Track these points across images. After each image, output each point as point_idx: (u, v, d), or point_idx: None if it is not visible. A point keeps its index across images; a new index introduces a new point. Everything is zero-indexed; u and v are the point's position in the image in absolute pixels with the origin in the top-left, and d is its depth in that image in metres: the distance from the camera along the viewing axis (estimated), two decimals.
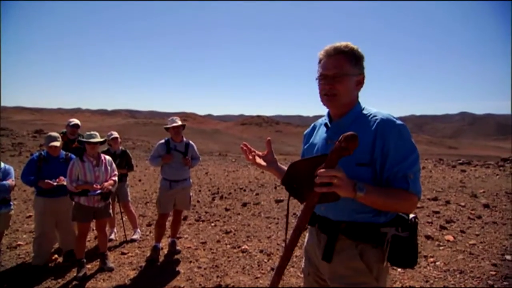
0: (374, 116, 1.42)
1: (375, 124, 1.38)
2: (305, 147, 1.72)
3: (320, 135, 1.62)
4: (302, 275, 3.62)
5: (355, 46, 1.44)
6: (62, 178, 3.81)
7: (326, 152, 1.29)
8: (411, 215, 1.45)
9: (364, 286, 1.41)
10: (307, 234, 1.74)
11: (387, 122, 1.37)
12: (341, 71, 1.42)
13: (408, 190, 1.32)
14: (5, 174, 3.69)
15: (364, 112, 1.47)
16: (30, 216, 5.96)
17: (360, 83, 1.48)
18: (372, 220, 1.40)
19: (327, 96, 1.47)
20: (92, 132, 3.82)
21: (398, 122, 1.37)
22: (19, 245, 4.67)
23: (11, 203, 3.77)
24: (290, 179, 1.40)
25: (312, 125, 1.77)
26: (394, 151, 1.34)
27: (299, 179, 1.35)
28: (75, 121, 4.76)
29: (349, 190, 1.22)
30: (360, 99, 1.54)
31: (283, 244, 4.54)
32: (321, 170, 1.21)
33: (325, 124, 1.58)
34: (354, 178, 1.26)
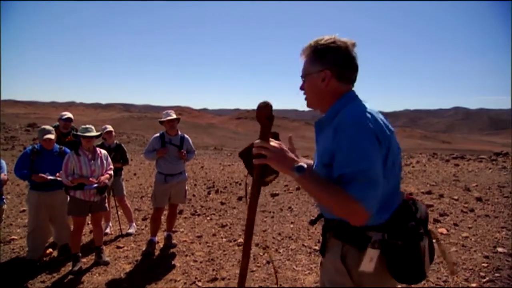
0: (338, 112, 1.32)
1: (336, 123, 1.28)
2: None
3: None
4: (297, 269, 3.65)
5: (322, 39, 1.35)
6: (61, 173, 3.78)
7: (316, 151, 1.36)
8: (412, 222, 1.30)
9: (341, 286, 1.34)
10: None
11: (342, 121, 1.25)
12: (303, 73, 1.44)
13: (346, 191, 1.15)
14: None
15: (344, 108, 1.33)
16: (24, 211, 5.91)
17: (325, 79, 1.36)
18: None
19: None
20: (87, 126, 3.77)
21: (354, 119, 1.23)
22: (13, 239, 4.63)
23: (4, 197, 3.73)
24: (244, 153, 1.51)
25: None
26: (340, 152, 1.21)
27: (249, 155, 1.42)
28: (68, 114, 4.70)
29: (283, 165, 1.23)
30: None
31: (279, 238, 4.58)
32: (255, 141, 1.27)
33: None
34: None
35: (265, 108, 1.27)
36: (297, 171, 1.19)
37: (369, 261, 1.26)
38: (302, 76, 1.46)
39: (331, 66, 1.34)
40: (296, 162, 1.23)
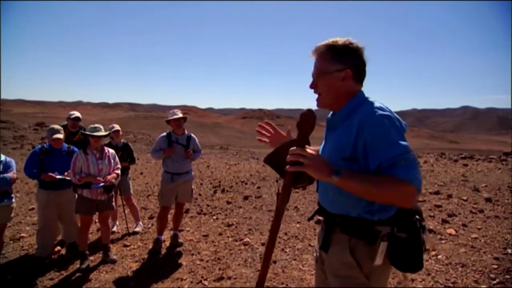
0: (361, 110, 1.37)
1: (358, 117, 1.34)
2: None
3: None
4: (304, 268, 3.64)
5: (339, 40, 1.40)
6: (69, 172, 3.81)
7: (323, 149, 1.40)
8: (416, 216, 1.39)
9: (352, 279, 1.39)
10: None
11: (367, 114, 1.32)
12: (319, 70, 1.43)
13: (397, 176, 1.20)
14: (6, 167, 3.68)
15: (361, 106, 1.40)
16: (33, 209, 5.98)
17: (345, 78, 1.41)
18: (365, 216, 1.36)
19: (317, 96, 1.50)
20: (96, 125, 3.80)
21: (380, 112, 1.30)
22: (22, 237, 4.69)
23: (13, 195, 3.77)
24: (273, 160, 1.49)
25: None
26: (374, 142, 1.27)
27: (278, 159, 1.42)
28: (76, 114, 4.74)
29: (323, 172, 1.22)
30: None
31: (285, 237, 4.57)
32: (291, 148, 1.27)
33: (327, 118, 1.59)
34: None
35: (311, 116, 1.28)
36: (336, 174, 1.21)
37: (380, 254, 1.34)
38: (316, 74, 1.45)
39: (351, 66, 1.40)
40: (330, 166, 1.24)
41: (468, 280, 3.27)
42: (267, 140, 1.77)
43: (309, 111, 1.28)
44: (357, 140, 1.31)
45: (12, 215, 3.86)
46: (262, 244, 4.36)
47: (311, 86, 1.48)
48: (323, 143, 1.59)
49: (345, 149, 1.35)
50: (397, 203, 1.28)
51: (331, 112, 1.60)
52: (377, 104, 1.36)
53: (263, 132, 1.79)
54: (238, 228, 5.10)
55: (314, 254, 1.74)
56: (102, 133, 3.79)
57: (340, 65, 1.40)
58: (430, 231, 4.53)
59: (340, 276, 1.42)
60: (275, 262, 3.83)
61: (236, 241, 4.56)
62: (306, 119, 1.29)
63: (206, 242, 4.53)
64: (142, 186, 8.42)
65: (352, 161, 1.33)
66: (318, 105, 1.51)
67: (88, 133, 3.74)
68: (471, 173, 8.63)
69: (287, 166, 1.28)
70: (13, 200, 3.77)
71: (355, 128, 1.32)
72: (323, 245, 1.50)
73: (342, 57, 1.40)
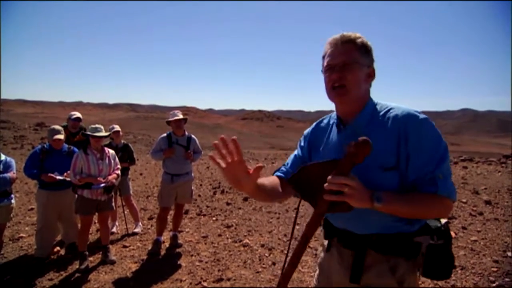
0: (393, 113, 1.24)
1: (396, 122, 1.21)
2: (321, 149, 1.45)
3: (333, 136, 1.41)
4: (303, 270, 3.63)
5: (361, 37, 1.29)
6: (69, 173, 3.81)
7: (339, 156, 1.20)
8: (443, 220, 1.31)
9: None
10: (319, 248, 1.60)
11: (409, 118, 1.20)
12: (350, 59, 1.24)
13: (438, 193, 1.15)
14: (6, 167, 3.68)
15: (379, 109, 1.29)
16: (32, 209, 5.98)
17: (370, 76, 1.31)
18: (405, 229, 1.25)
19: (335, 90, 1.27)
20: (97, 126, 3.81)
21: (422, 116, 1.20)
22: (21, 237, 4.69)
23: (12, 195, 3.77)
24: (299, 181, 1.31)
25: (315, 124, 1.54)
26: (419, 151, 1.17)
27: (310, 183, 1.26)
28: (77, 114, 4.75)
29: (364, 200, 1.11)
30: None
31: (285, 239, 4.56)
32: (331, 177, 1.13)
33: (337, 125, 1.38)
34: (380, 184, 1.18)
35: (368, 148, 1.11)
36: (377, 201, 1.12)
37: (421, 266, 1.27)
38: (344, 63, 1.25)
39: (373, 65, 1.32)
40: (370, 192, 1.13)
41: (468, 282, 3.27)
42: (224, 166, 1.18)
43: (367, 140, 1.11)
44: (400, 149, 1.20)
45: (12, 215, 3.86)
46: (262, 246, 4.36)
47: (338, 76, 1.26)
48: (332, 150, 1.38)
49: (385, 158, 1.21)
50: (436, 217, 1.26)
51: (331, 117, 1.46)
52: (403, 107, 1.25)
53: (223, 151, 1.17)
54: (237, 229, 5.10)
55: (316, 281, 1.55)
56: (103, 133, 3.79)
57: (368, 61, 1.28)
58: None
59: None
60: (274, 264, 3.83)
61: (236, 242, 4.56)
62: (364, 149, 1.11)
63: (205, 243, 4.53)
64: (141, 187, 8.41)
65: (394, 170, 1.21)
66: (339, 100, 1.31)
67: (89, 133, 3.74)
68: (471, 175, 8.63)
69: (325, 195, 1.15)
70: (13, 200, 3.77)
71: (393, 134, 1.20)
72: (353, 277, 1.29)
73: (369, 53, 1.29)
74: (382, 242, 1.26)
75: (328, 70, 1.29)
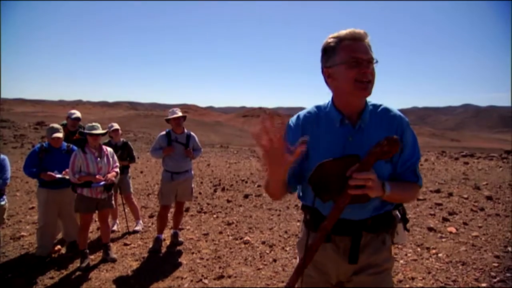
0: (390, 112, 1.41)
1: (394, 120, 1.39)
2: (319, 144, 1.40)
3: (331, 130, 1.40)
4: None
5: None
6: (67, 171, 3.81)
7: (348, 151, 1.32)
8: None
9: (389, 270, 1.49)
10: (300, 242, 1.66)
11: (402, 119, 1.41)
12: (372, 56, 1.31)
13: (417, 183, 1.42)
14: (1, 166, 3.68)
15: (373, 107, 1.42)
16: (33, 208, 5.98)
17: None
18: (388, 208, 1.45)
19: (363, 84, 1.28)
20: (94, 124, 3.79)
21: (405, 117, 1.43)
22: (22, 236, 4.69)
23: (5, 196, 3.78)
24: (318, 178, 1.30)
25: (303, 119, 1.47)
26: (407, 147, 1.39)
27: (327, 179, 1.29)
28: (77, 113, 4.73)
29: (379, 190, 1.26)
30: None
31: (285, 235, 4.56)
32: (357, 173, 1.22)
33: (341, 120, 1.38)
34: (382, 175, 1.31)
35: (398, 144, 1.21)
36: (387, 189, 1.28)
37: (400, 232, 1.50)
38: (369, 60, 1.30)
39: None
40: (381, 182, 1.28)
41: (469, 278, 3.26)
42: (267, 146, 1.16)
43: (398, 140, 1.20)
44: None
45: (9, 215, 3.85)
46: (263, 243, 4.35)
47: (369, 72, 1.29)
48: (333, 143, 1.38)
49: None
50: (411, 200, 1.55)
51: (327, 108, 1.43)
52: (385, 105, 1.44)
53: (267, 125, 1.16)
54: (238, 226, 5.09)
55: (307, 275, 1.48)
56: (100, 131, 3.77)
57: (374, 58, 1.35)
58: (431, 229, 4.53)
59: (380, 273, 1.43)
60: (275, 260, 3.83)
61: (236, 239, 4.56)
62: (395, 147, 1.20)
63: (206, 241, 4.53)
64: (142, 185, 8.42)
65: (389, 162, 1.39)
66: (363, 94, 1.33)
67: (86, 131, 3.73)
68: (472, 171, 8.61)
69: (350, 189, 1.23)
70: (3, 201, 3.78)
71: (392, 130, 1.37)
72: (352, 258, 1.39)
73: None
74: (375, 223, 1.41)
75: (355, 63, 1.28)
